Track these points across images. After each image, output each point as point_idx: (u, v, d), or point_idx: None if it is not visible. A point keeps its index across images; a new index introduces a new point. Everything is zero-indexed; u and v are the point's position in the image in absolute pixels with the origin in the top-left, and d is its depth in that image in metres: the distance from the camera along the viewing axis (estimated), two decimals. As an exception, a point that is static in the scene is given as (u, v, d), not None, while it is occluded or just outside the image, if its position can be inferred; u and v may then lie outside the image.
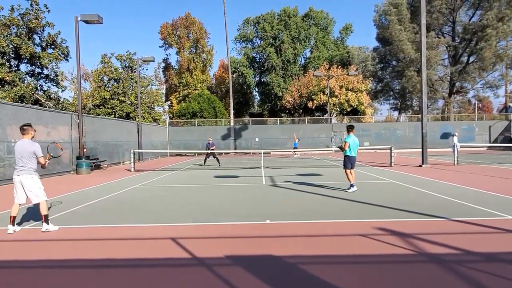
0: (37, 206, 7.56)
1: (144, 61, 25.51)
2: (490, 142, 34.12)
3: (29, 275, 3.99)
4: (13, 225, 5.67)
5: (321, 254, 4.45)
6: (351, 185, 9.34)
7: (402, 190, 9.61)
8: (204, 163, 19.88)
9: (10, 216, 5.71)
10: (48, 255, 4.65)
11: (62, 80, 28.02)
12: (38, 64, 24.33)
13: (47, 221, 5.76)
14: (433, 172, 13.90)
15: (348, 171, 9.46)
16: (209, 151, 19.26)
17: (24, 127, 5.77)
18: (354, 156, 9.51)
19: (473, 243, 4.71)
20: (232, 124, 38.08)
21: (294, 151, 27.89)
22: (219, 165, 18.93)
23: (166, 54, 75.09)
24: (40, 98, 24.59)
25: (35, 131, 5.99)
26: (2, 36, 22.15)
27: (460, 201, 7.63)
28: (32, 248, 4.96)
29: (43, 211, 5.72)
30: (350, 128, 9.56)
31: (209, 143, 19.29)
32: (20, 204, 5.77)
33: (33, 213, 7.16)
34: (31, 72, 24.76)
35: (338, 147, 10.25)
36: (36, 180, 5.74)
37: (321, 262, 4.16)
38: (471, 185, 10.10)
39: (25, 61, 24.03)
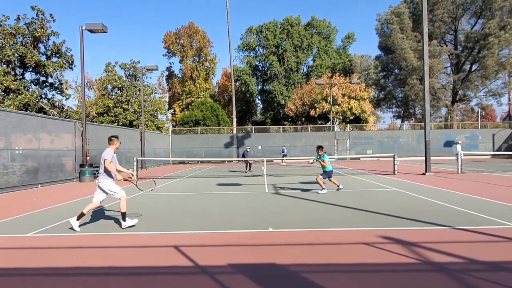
0: (38, 215, 7.58)
1: (147, 69, 25.71)
2: (493, 150, 33.94)
3: (30, 282, 3.97)
4: None
5: (324, 262, 4.42)
6: (323, 188, 10.71)
7: (405, 198, 9.56)
8: (248, 170, 20.56)
9: None
10: (50, 262, 4.64)
11: (66, 89, 28.23)
12: (43, 72, 24.56)
13: None
14: (437, 180, 13.83)
15: (322, 180, 10.82)
16: (249, 159, 20.55)
17: None
18: (332, 170, 11.10)
19: (477, 252, 4.67)
20: (234, 132, 38.14)
21: (283, 160, 28.17)
22: (246, 171, 19.86)
23: (170, 63, 75.54)
24: (44, 106, 24.76)
25: None
26: (8, 45, 22.42)
27: (464, 209, 7.58)
28: (34, 255, 4.95)
29: None
30: (321, 148, 11.08)
31: (246, 151, 21.06)
32: None
33: (34, 221, 7.18)
34: (36, 81, 24.99)
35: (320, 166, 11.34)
36: None
37: (324, 271, 4.13)
38: (475, 193, 10.03)
39: (30, 69, 24.28)
